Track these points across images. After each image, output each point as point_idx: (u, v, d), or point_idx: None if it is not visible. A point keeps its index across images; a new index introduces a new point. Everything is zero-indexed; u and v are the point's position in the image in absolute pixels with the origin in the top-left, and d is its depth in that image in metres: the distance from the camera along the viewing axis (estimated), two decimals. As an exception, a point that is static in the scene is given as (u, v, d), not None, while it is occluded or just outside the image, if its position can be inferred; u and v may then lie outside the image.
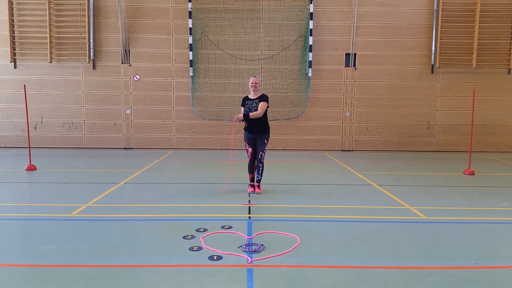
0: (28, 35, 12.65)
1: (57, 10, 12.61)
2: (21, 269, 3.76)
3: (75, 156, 11.41)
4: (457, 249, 4.33)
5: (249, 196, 6.60)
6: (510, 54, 12.83)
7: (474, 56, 12.67)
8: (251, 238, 4.56)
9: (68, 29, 12.68)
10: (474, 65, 12.71)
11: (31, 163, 8.93)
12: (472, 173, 8.91)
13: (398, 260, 4.04)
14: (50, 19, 12.47)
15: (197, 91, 12.88)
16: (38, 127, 12.91)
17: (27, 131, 9.94)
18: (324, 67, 12.94)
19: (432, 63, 12.86)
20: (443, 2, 12.58)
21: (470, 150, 9.55)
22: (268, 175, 7.71)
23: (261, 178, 6.80)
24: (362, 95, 13.03)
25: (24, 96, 9.03)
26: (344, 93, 13.04)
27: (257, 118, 6.55)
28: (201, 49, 12.78)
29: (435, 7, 12.66)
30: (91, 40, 12.61)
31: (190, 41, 12.49)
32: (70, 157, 11.25)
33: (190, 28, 12.46)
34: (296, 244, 4.37)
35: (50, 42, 12.51)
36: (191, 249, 4.21)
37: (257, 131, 6.62)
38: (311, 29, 12.43)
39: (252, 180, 6.85)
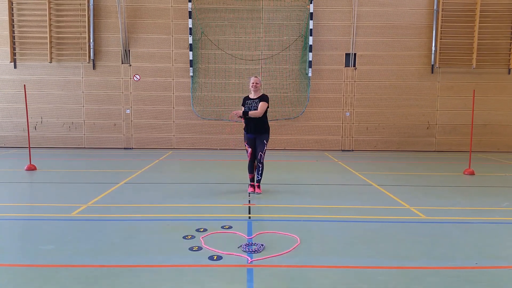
0: (28, 35, 12.65)
1: (57, 10, 12.61)
2: (21, 269, 3.76)
3: (75, 156, 11.41)
4: (457, 249, 4.33)
5: (249, 196, 6.60)
6: (510, 54, 12.83)
7: (474, 56, 12.67)
8: (251, 238, 4.56)
9: (68, 29, 12.68)
10: (474, 65, 12.72)
11: (31, 163, 8.93)
12: (472, 173, 8.91)
13: (398, 260, 4.04)
14: (50, 19, 12.47)
15: (197, 91, 12.88)
16: (38, 127, 12.91)
17: (27, 131, 9.94)
18: (324, 67, 12.94)
19: (432, 63, 12.86)
20: (443, 2, 12.58)
21: (470, 150, 9.54)
22: (268, 175, 7.71)
23: (261, 178, 6.80)
24: (362, 95, 13.03)
25: (24, 96, 9.03)
26: (344, 93, 13.04)
27: (257, 118, 6.55)
28: (201, 49, 12.78)
29: (435, 7, 12.66)
30: (91, 40, 12.61)
31: (190, 41, 12.49)
32: (70, 157, 11.25)
33: (190, 28, 12.47)
34: (296, 244, 4.37)
35: (50, 42, 12.51)
36: (191, 249, 4.21)
37: (256, 131, 6.61)
38: (311, 29, 12.42)
39: (252, 180, 6.85)
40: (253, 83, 6.60)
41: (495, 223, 5.38)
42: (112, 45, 12.80)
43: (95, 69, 12.83)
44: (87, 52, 12.60)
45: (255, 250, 4.14)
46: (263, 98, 6.62)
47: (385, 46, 12.87)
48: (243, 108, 6.67)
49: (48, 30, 12.42)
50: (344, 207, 6.10)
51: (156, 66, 12.89)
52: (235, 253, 4.09)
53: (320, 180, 8.19)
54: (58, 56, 12.72)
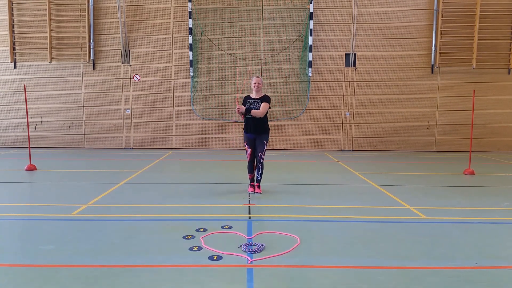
0: (28, 35, 12.65)
1: (57, 10, 12.61)
2: (21, 269, 3.76)
3: (75, 156, 11.41)
4: (457, 249, 4.33)
5: (249, 196, 6.60)
6: (510, 54, 12.83)
7: (474, 56, 12.67)
8: (251, 238, 4.56)
9: (68, 29, 12.68)
10: (474, 65, 12.72)
11: (31, 163, 8.93)
12: (472, 173, 8.91)
13: (398, 260, 4.04)
14: (50, 19, 12.47)
15: (197, 91, 12.89)
16: (38, 127, 12.91)
17: (27, 131, 9.94)
18: (324, 67, 12.94)
19: (432, 63, 12.86)
20: (443, 2, 12.59)
21: (470, 150, 9.55)
22: (268, 175, 7.71)
23: (261, 179, 6.79)
24: (362, 95, 13.03)
25: (24, 96, 9.03)
26: (344, 93, 13.04)
27: (257, 118, 6.55)
28: (201, 49, 12.78)
29: (435, 7, 12.66)
30: (91, 40, 12.61)
31: (190, 41, 12.49)
32: (70, 157, 11.25)
33: (190, 28, 12.47)
34: (296, 244, 4.37)
35: (50, 42, 12.51)
36: (191, 249, 4.21)
37: (256, 132, 6.61)
38: (311, 29, 12.43)
39: (251, 180, 6.84)
40: (255, 83, 6.59)
41: (495, 223, 5.38)
42: (112, 45, 12.80)
43: (95, 69, 12.83)
44: (87, 52, 12.60)
45: (255, 250, 4.14)
46: (265, 99, 6.61)
47: (385, 46, 12.87)
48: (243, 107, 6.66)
49: (48, 30, 12.42)
50: (344, 207, 6.10)
51: (156, 66, 12.89)
52: (235, 253, 4.09)
53: (320, 180, 8.19)
54: (58, 56, 12.72)
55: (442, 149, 13.16)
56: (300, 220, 5.28)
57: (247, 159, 6.79)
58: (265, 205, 6.11)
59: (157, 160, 10.58)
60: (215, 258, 3.96)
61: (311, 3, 12.43)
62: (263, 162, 6.72)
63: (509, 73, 12.94)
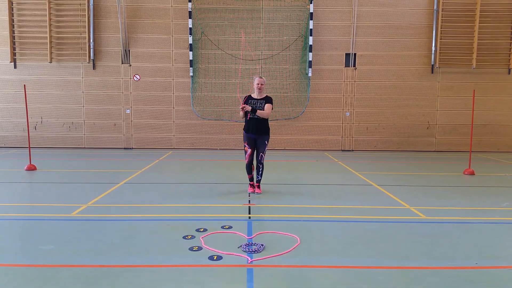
0: (28, 35, 12.65)
1: (57, 10, 12.61)
2: (21, 269, 3.76)
3: (75, 156, 11.41)
4: (457, 249, 4.33)
5: (249, 196, 6.60)
6: (510, 54, 12.83)
7: (474, 56, 12.67)
8: (251, 238, 4.56)
9: (68, 29, 12.68)
10: (474, 65, 12.72)
11: (31, 163, 8.93)
12: (472, 173, 8.91)
13: (398, 260, 4.04)
14: (50, 19, 12.47)
15: (197, 91, 12.89)
16: (38, 127, 12.91)
17: (27, 131, 9.95)
18: (324, 67, 12.94)
19: (432, 63, 12.86)
20: (443, 2, 12.59)
21: (470, 150, 9.55)
22: (268, 175, 7.71)
23: (261, 179, 6.80)
24: (362, 95, 13.03)
25: (24, 96, 9.03)
26: (344, 93, 13.04)
27: (259, 119, 6.56)
28: (201, 49, 12.78)
29: (435, 7, 12.66)
30: (91, 40, 12.61)
31: (190, 41, 12.49)
32: (70, 157, 11.25)
33: (190, 28, 12.47)
34: (296, 244, 4.37)
35: (50, 42, 12.51)
36: (191, 249, 4.21)
37: (258, 132, 6.61)
38: (311, 29, 12.43)
39: (251, 180, 6.84)
40: (258, 83, 6.59)
41: (495, 223, 5.38)
42: (112, 45, 12.80)
43: (95, 69, 12.83)
44: (87, 52, 12.60)
45: (255, 250, 4.14)
46: (269, 100, 6.63)
47: (385, 46, 12.87)
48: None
49: (48, 30, 12.42)
50: (344, 207, 6.10)
51: (156, 66, 12.89)
52: (235, 253, 4.09)
53: (320, 180, 8.19)
54: (58, 56, 12.72)
55: (442, 149, 13.16)
56: (300, 220, 5.28)
57: (245, 160, 6.77)
58: (265, 205, 6.11)
59: (157, 160, 10.58)
60: (215, 258, 3.96)
61: (311, 3, 12.43)
62: (263, 162, 6.73)
63: (509, 73, 12.94)
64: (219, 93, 12.89)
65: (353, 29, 12.76)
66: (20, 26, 12.61)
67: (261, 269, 3.76)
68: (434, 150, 13.18)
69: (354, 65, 12.94)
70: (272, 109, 6.67)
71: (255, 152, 6.72)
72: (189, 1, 12.41)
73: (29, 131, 11.01)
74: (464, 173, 8.98)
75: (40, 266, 3.82)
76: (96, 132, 13.02)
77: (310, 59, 12.50)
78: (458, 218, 5.49)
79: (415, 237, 4.69)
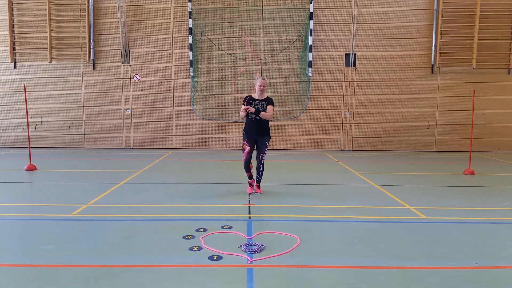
0: (28, 35, 12.65)
1: (57, 10, 12.61)
2: (21, 269, 3.76)
3: (75, 156, 11.41)
4: (457, 249, 4.33)
5: (249, 196, 6.61)
6: (510, 54, 12.83)
7: (474, 56, 12.67)
8: (251, 238, 4.56)
9: (68, 29, 12.68)
10: (474, 65, 12.72)
11: (31, 163, 8.93)
12: (472, 173, 8.91)
13: (398, 260, 4.04)
14: (50, 19, 12.47)
15: (197, 91, 12.88)
16: (38, 127, 12.91)
17: (27, 131, 9.95)
18: (324, 67, 12.94)
19: (432, 63, 12.86)
20: (443, 2, 12.59)
21: (470, 150, 9.55)
22: (268, 175, 7.72)
23: (261, 179, 6.80)
24: (362, 95, 13.03)
25: (24, 96, 9.03)
26: (344, 93, 13.04)
27: (262, 120, 6.56)
28: (201, 49, 12.78)
29: (435, 7, 12.66)
30: (91, 40, 12.61)
31: (190, 41, 12.49)
32: (70, 157, 11.25)
33: (190, 28, 12.47)
34: (296, 244, 4.37)
35: (50, 42, 12.51)
36: (191, 249, 4.21)
37: (260, 133, 6.61)
38: (311, 29, 12.43)
39: (250, 177, 6.82)
40: (260, 85, 6.58)
41: (495, 223, 5.38)
42: (112, 45, 12.80)
43: (95, 69, 12.83)
44: (87, 52, 12.60)
45: (255, 250, 4.14)
46: (270, 101, 6.63)
47: (385, 46, 12.87)
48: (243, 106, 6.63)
49: (48, 30, 12.42)
50: (344, 207, 6.11)
51: (156, 66, 12.90)
52: (235, 253, 4.09)
53: (320, 180, 8.19)
54: (58, 56, 12.72)
55: (442, 149, 13.17)
56: (300, 220, 5.28)
57: (243, 159, 6.73)
58: (265, 205, 6.11)
59: (157, 160, 10.58)
60: (215, 258, 3.96)
61: (311, 3, 12.43)
62: (263, 162, 6.73)
63: (509, 73, 12.94)
64: (219, 93, 12.88)
65: (353, 29, 12.76)
66: (20, 26, 12.61)
67: (261, 269, 3.76)
68: (434, 150, 13.18)
69: (354, 65, 12.94)
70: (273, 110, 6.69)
71: (255, 152, 6.72)
72: (189, 1, 12.41)
73: (29, 131, 11.02)
74: (464, 173, 8.98)
75: (40, 266, 3.82)
76: (96, 132, 13.02)
77: (310, 59, 12.50)
78: (458, 218, 5.49)
79: (415, 237, 4.69)
